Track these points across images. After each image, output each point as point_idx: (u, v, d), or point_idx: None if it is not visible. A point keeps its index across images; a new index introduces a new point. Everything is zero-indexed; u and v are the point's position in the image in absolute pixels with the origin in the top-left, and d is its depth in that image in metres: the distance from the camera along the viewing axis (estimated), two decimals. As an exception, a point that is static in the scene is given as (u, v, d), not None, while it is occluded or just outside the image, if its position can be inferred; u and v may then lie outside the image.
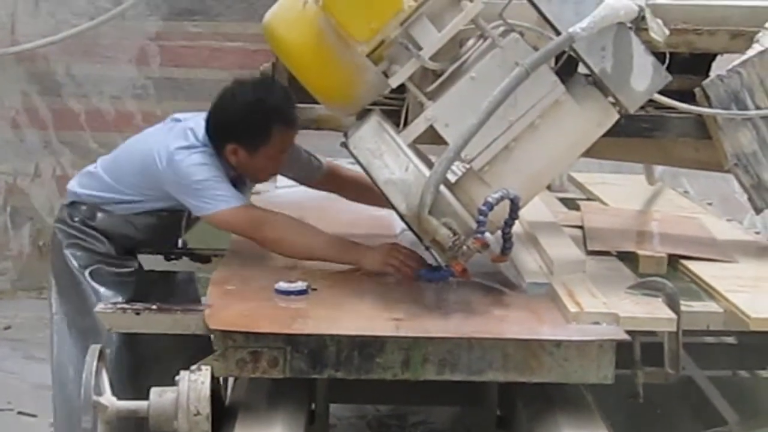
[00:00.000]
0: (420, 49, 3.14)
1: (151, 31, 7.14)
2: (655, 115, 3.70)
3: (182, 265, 4.22)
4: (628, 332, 3.14)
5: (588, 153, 3.38)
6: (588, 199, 5.04)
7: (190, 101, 7.12)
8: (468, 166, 3.21)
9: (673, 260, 3.84)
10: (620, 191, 5.11)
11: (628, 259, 3.85)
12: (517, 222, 3.28)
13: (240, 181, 3.92)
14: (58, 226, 4.02)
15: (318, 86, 3.27)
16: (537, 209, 4.19)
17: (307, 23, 3.19)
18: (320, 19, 3.15)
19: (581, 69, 3.33)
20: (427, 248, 3.22)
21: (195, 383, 2.97)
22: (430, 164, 3.20)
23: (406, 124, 3.28)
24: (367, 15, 3.09)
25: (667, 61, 3.28)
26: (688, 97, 3.66)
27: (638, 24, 3.24)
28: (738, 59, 3.68)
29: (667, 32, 3.31)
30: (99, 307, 3.32)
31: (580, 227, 4.26)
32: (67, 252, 3.95)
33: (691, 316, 3.32)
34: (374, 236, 3.87)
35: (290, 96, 3.76)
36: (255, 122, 3.74)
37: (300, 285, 3.36)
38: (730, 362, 4.50)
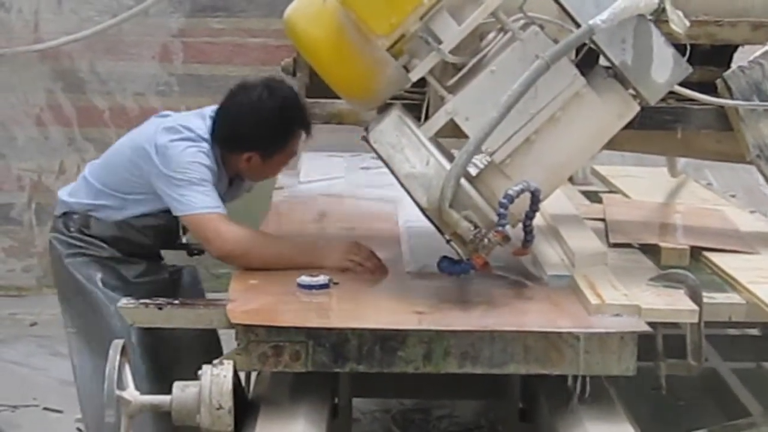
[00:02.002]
0: (440, 42, 3.14)
1: (174, 28, 7.16)
2: (676, 107, 3.69)
3: (204, 259, 4.17)
4: (650, 324, 3.14)
5: (609, 145, 3.37)
6: (611, 192, 5.02)
7: (214, 97, 7.10)
8: (489, 159, 3.21)
9: (696, 252, 3.84)
10: (643, 184, 5.10)
11: (651, 251, 3.86)
12: (538, 214, 3.28)
13: (237, 178, 3.96)
14: (55, 236, 3.99)
15: (339, 81, 3.27)
16: (559, 202, 4.20)
17: (328, 18, 3.19)
18: (340, 14, 3.15)
19: (602, 61, 3.32)
20: (448, 241, 3.22)
21: (217, 377, 2.99)
22: (451, 158, 3.20)
23: (426, 117, 3.29)
24: (387, 9, 3.09)
25: (688, 52, 3.27)
26: (709, 88, 3.65)
27: (658, 16, 3.23)
28: (759, 50, 3.68)
29: (688, 24, 3.29)
30: (121, 302, 3.32)
31: (603, 220, 4.26)
32: (69, 261, 3.94)
33: (714, 308, 3.33)
34: (381, 225, 4.03)
35: (301, 96, 3.79)
36: (279, 131, 3.79)
37: (322, 279, 3.40)
38: (754, 354, 4.50)
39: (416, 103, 3.42)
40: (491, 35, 3.27)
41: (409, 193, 3.21)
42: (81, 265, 3.93)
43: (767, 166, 3.72)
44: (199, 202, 3.70)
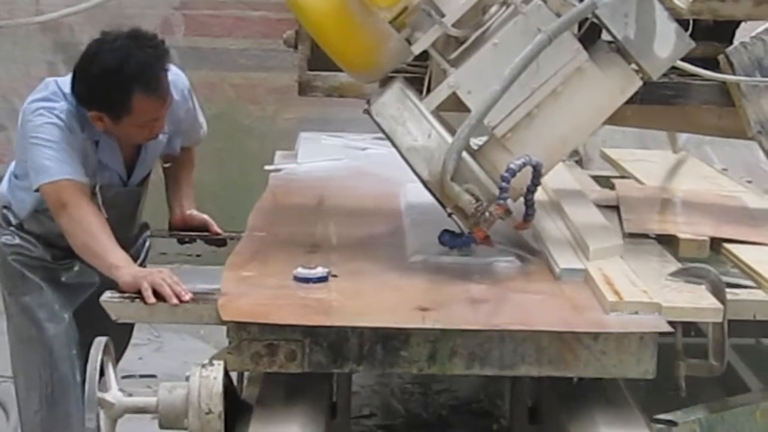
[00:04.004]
0: (443, 15, 3.14)
1: (176, 1, 7.15)
2: (678, 82, 3.69)
3: (195, 248, 4.19)
4: (670, 323, 2.97)
5: (610, 120, 3.38)
6: (622, 177, 4.79)
7: (215, 70, 7.17)
8: (491, 133, 3.22)
9: (716, 243, 3.67)
10: (654, 168, 4.90)
11: (667, 242, 3.69)
12: (542, 190, 3.25)
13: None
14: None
15: (341, 53, 3.27)
16: (571, 190, 4.09)
17: (330, -10, 3.19)
18: (343, -14, 3.15)
19: (604, 36, 3.32)
20: (449, 215, 3.22)
21: (207, 379, 2.84)
22: (452, 131, 3.20)
23: (428, 91, 3.29)
24: (391, -18, 3.09)
25: (690, 28, 3.28)
26: (711, 64, 3.65)
27: (661, -9, 3.23)
28: (762, 26, 3.68)
29: (691, -1, 3.30)
30: (105, 296, 3.10)
31: (616, 207, 4.06)
32: (10, 259, 3.85)
33: (737, 305, 3.17)
34: (383, 212, 3.87)
35: (159, 56, 3.63)
36: (113, 91, 3.57)
37: (320, 271, 3.19)
38: (754, 330, 4.49)
39: (418, 76, 3.41)
40: (494, 8, 3.26)
41: (410, 166, 3.22)
42: (20, 264, 3.83)
43: (768, 142, 3.72)
44: (45, 173, 3.51)
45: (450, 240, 3.30)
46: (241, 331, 2.88)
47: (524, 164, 3.12)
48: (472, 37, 3.21)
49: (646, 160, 5.06)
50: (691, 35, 3.25)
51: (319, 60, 3.57)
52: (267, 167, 4.71)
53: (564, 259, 3.36)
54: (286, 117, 7.24)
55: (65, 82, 3.67)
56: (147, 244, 4.19)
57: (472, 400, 5.15)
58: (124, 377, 4.78)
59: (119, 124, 3.63)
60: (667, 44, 3.21)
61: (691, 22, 3.32)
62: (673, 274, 3.29)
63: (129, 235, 3.98)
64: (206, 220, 4.18)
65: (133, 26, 3.77)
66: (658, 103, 3.69)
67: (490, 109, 3.10)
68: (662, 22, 3.20)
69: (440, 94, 3.21)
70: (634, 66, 3.25)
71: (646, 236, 3.74)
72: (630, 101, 3.30)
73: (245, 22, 7.14)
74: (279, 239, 3.61)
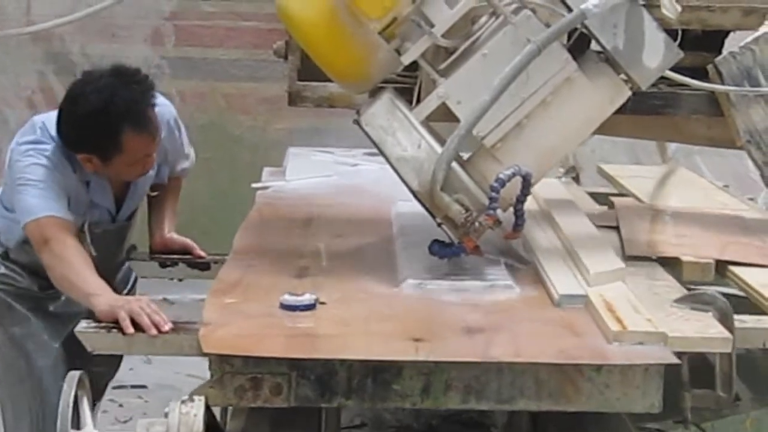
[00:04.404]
0: (432, 26, 3.15)
1: (166, 11, 7.17)
2: (667, 92, 3.69)
3: (177, 272, 4.02)
4: (676, 353, 2.82)
5: (600, 130, 3.38)
6: (621, 194, 4.59)
7: (205, 81, 7.18)
8: (480, 143, 3.22)
9: (721, 266, 3.52)
10: (654, 185, 4.72)
11: (671, 264, 3.53)
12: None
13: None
14: None
15: (331, 64, 3.27)
16: (569, 207, 3.98)
17: (320, 1, 3.18)
18: (333, -3, 3.16)
19: (593, 46, 3.33)
20: (439, 224, 3.23)
21: (187, 416, 2.69)
22: (442, 141, 3.21)
23: (418, 101, 3.29)
24: (380, -8, 3.09)
25: (679, 37, 3.28)
26: (700, 74, 3.66)
27: (650, 0, 3.24)
28: (750, 36, 3.69)
29: (679, 9, 3.31)
30: (81, 326, 2.98)
31: (616, 228, 3.88)
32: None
33: (745, 333, 3.03)
34: (374, 232, 3.76)
35: (144, 92, 3.58)
36: (102, 132, 3.52)
37: (307, 298, 3.03)
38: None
39: (408, 86, 3.41)
40: (483, 19, 3.27)
41: (400, 176, 3.22)
42: (4, 295, 3.78)
43: (757, 152, 3.73)
44: (30, 213, 3.45)
45: (440, 250, 3.30)
46: (223, 363, 2.73)
47: (514, 174, 3.13)
48: (462, 48, 3.21)
49: (643, 176, 4.89)
50: (680, 45, 3.26)
51: (309, 70, 3.57)
52: (254, 185, 4.61)
53: (563, 285, 3.21)
54: (277, 127, 7.25)
55: (51, 122, 3.63)
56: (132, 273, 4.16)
57: (463, 410, 5.14)
58: (115, 387, 4.78)
59: (110, 164, 3.59)
60: (656, 54, 3.22)
61: (680, 32, 3.32)
62: (679, 301, 3.14)
63: (115, 262, 3.97)
64: (188, 244, 4.08)
65: (115, 63, 3.72)
66: (647, 113, 3.70)
67: (479, 120, 3.11)
68: (651, 32, 3.21)
69: (430, 104, 3.22)
70: (623, 76, 3.26)
71: (647, 258, 3.60)
72: (620, 111, 3.30)
73: (236, 33, 7.15)
74: (265, 262, 3.47)
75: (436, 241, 3.30)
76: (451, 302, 3.14)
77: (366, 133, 3.24)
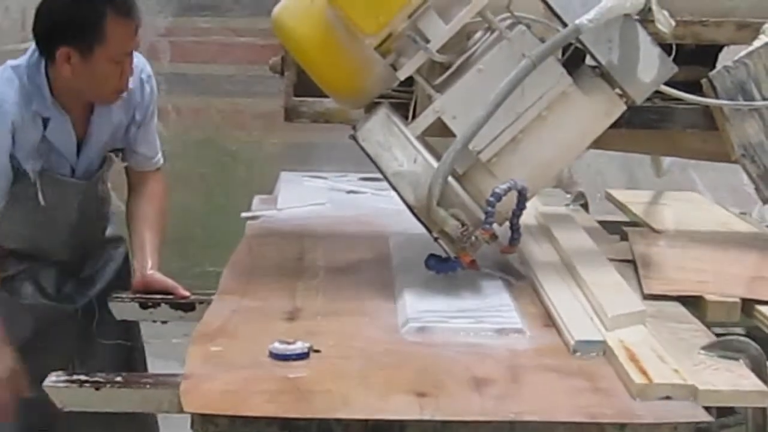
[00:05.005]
0: (428, 41, 3.15)
1: (161, 27, 7.19)
2: (661, 106, 3.70)
3: (159, 314, 3.76)
4: (707, 408, 2.54)
5: (595, 144, 3.39)
6: (633, 223, 4.25)
7: (201, 96, 7.19)
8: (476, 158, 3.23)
9: (747, 305, 3.23)
10: (668, 213, 4.39)
11: (693, 303, 3.25)
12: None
13: (83, 111, 3.63)
14: None
15: (327, 79, 3.28)
16: (579, 239, 3.73)
17: (316, 17, 3.20)
18: (328, 13, 3.16)
19: (588, 61, 3.34)
20: (435, 239, 3.24)
21: None
22: (438, 156, 3.22)
23: (414, 116, 3.30)
24: (375, 8, 3.09)
25: (673, 52, 3.29)
26: (694, 88, 3.66)
27: (645, 15, 3.25)
28: (744, 50, 3.70)
29: (674, 24, 3.32)
30: (49, 380, 2.75)
31: (631, 261, 3.62)
32: None
33: None
34: (371, 268, 3.54)
35: None
36: (84, 17, 3.42)
37: (299, 347, 2.76)
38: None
39: (403, 102, 3.42)
40: (478, 34, 3.28)
41: (396, 191, 3.22)
42: None
43: (752, 165, 3.74)
44: None
45: (436, 265, 3.31)
46: (207, 423, 2.45)
47: (509, 189, 3.14)
48: (457, 63, 3.22)
49: (655, 203, 4.59)
50: (674, 59, 3.27)
51: (305, 86, 3.58)
52: (244, 214, 4.37)
53: (579, 329, 2.93)
54: (272, 142, 7.26)
55: (20, 60, 3.55)
56: (119, 262, 4.03)
57: None
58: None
59: (90, 60, 3.47)
60: (650, 69, 3.23)
61: (674, 46, 3.33)
62: (707, 348, 2.84)
63: (81, 236, 3.81)
64: (169, 285, 3.78)
65: None
66: (642, 127, 3.70)
67: (475, 134, 3.12)
68: (645, 47, 3.22)
69: (426, 119, 3.23)
70: (618, 90, 3.27)
71: (667, 297, 3.30)
72: (615, 125, 3.31)
73: (231, 48, 7.18)
74: (254, 303, 3.21)
75: (432, 255, 3.31)
76: (457, 349, 2.87)
77: (362, 149, 3.25)
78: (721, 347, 2.82)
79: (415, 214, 3.24)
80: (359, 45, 3.14)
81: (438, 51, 3.17)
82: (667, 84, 3.38)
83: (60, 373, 2.76)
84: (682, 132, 3.82)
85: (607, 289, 3.15)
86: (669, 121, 3.75)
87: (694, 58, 3.72)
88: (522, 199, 3.18)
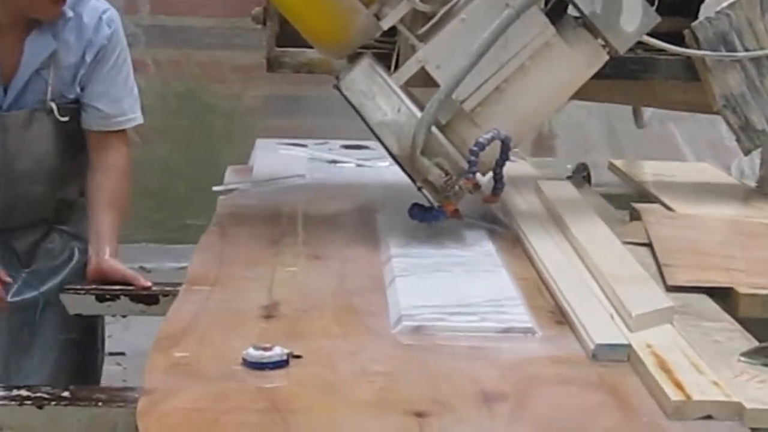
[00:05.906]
0: (411, -9, 3.16)
1: (141, -21, 7.14)
2: (644, 57, 3.71)
3: (118, 307, 3.36)
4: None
5: (577, 95, 3.39)
6: (641, 198, 3.81)
7: (181, 49, 7.15)
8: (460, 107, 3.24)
9: None
10: (681, 187, 3.99)
11: (722, 295, 2.81)
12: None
13: (18, 34, 3.39)
14: None
15: (310, 29, 3.27)
16: (590, 221, 3.35)
17: (299, -34, 3.19)
18: (312, -38, 3.15)
19: (571, 11, 3.35)
20: (419, 188, 3.24)
21: None
22: (422, 106, 3.22)
23: (397, 66, 3.30)
24: (359, -43, 3.10)
25: (656, 2, 3.30)
26: (677, 39, 3.67)
27: (628, -35, 3.26)
28: (727, 1, 3.70)
29: (657, -26, 3.33)
30: None
31: (647, 245, 3.20)
32: None
33: None
34: (357, 252, 3.21)
35: None
36: None
37: (277, 353, 2.32)
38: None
39: (387, 52, 3.42)
40: (462, -16, 3.28)
41: (380, 140, 3.23)
42: None
43: (733, 116, 3.75)
44: None
45: (419, 213, 3.32)
46: None
47: (493, 138, 3.15)
48: (441, 13, 3.22)
49: (662, 174, 4.17)
50: (657, 10, 3.28)
51: (288, 36, 3.58)
52: (215, 188, 3.93)
53: (598, 330, 2.48)
54: (253, 95, 7.25)
55: None
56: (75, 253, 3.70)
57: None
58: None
59: None
60: (633, 19, 3.24)
61: (656, -4, 3.34)
62: (748, 354, 2.41)
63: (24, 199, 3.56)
64: (128, 275, 3.38)
65: None
66: (624, 77, 3.71)
67: (458, 84, 3.12)
68: (628, -3, 3.23)
69: (409, 68, 3.22)
70: (600, 41, 3.28)
71: (691, 288, 2.87)
72: (597, 76, 3.32)
73: (211, 0, 7.14)
74: (226, 296, 2.77)
75: (416, 204, 3.32)
76: (459, 353, 2.45)
77: (346, 98, 3.25)
78: (765, 354, 2.40)
79: (399, 164, 3.25)
80: (342, -6, 3.14)
81: (421, 0, 3.17)
82: (649, 35, 3.40)
83: None
84: (663, 83, 3.83)
85: (629, 282, 2.75)
86: (651, 71, 3.76)
87: (676, 8, 3.72)
88: (505, 148, 3.19)
